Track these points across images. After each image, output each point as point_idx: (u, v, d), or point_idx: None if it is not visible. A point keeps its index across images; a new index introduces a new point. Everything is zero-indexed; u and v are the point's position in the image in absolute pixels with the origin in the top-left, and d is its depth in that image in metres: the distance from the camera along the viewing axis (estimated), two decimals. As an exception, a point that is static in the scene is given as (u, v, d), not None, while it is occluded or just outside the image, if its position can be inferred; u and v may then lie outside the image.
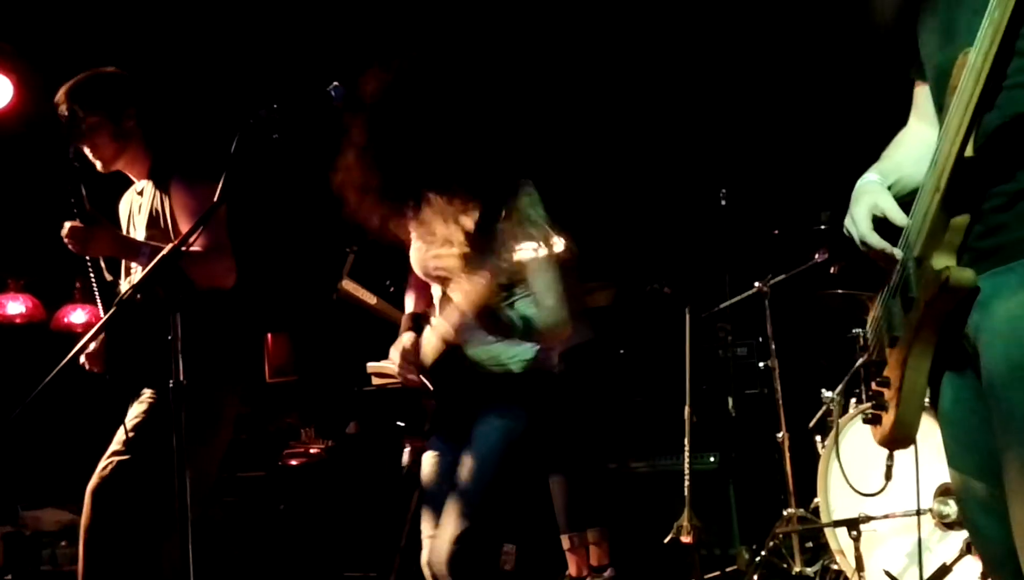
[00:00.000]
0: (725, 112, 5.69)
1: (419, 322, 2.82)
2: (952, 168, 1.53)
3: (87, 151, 3.10)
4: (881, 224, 1.73)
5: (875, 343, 1.81)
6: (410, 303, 2.95)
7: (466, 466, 2.67)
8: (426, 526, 2.76)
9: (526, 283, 2.67)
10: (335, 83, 2.39)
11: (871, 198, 1.74)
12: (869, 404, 1.80)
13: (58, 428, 5.21)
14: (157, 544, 2.96)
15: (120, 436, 2.99)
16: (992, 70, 1.47)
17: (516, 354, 2.70)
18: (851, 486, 3.12)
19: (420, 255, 2.77)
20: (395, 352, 2.77)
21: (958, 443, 1.69)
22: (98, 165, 3.15)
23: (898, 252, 1.69)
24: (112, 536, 2.94)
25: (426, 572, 2.68)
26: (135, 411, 3.02)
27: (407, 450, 3.06)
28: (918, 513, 3.58)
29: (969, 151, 1.53)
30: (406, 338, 2.76)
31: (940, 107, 1.66)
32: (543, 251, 2.48)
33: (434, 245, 2.69)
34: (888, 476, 3.43)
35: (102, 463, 3.00)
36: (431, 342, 2.67)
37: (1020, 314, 1.51)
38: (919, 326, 1.61)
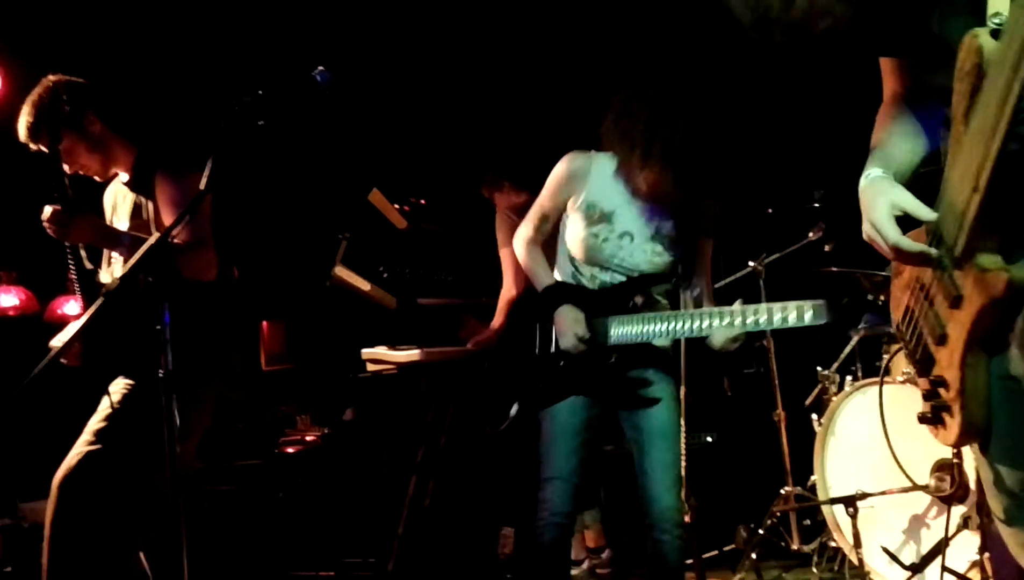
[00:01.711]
0: (717, 89, 5.66)
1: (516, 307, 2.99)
2: (992, 168, 1.44)
3: (80, 173, 3.09)
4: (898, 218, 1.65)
5: (913, 339, 1.74)
6: (509, 284, 3.18)
7: (659, 436, 3.02)
8: (556, 466, 2.99)
9: None
10: (320, 68, 2.37)
11: (888, 197, 1.66)
12: (927, 406, 1.71)
13: (56, 420, 5.19)
14: (125, 538, 2.94)
15: (91, 426, 2.97)
16: None
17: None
18: (904, 473, 3.11)
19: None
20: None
21: (994, 430, 1.62)
22: (96, 178, 3.16)
23: (935, 252, 1.61)
24: (79, 530, 2.88)
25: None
26: (109, 400, 2.99)
27: (515, 407, 3.11)
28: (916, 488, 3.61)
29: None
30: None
31: (937, 88, 1.60)
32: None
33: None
34: (963, 481, 3.43)
35: (71, 453, 2.96)
36: None
37: None
38: (973, 326, 1.55)
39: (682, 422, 4.18)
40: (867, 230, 1.69)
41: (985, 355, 1.57)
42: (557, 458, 2.98)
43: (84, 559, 2.88)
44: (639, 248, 3.01)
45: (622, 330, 2.94)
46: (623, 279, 3.01)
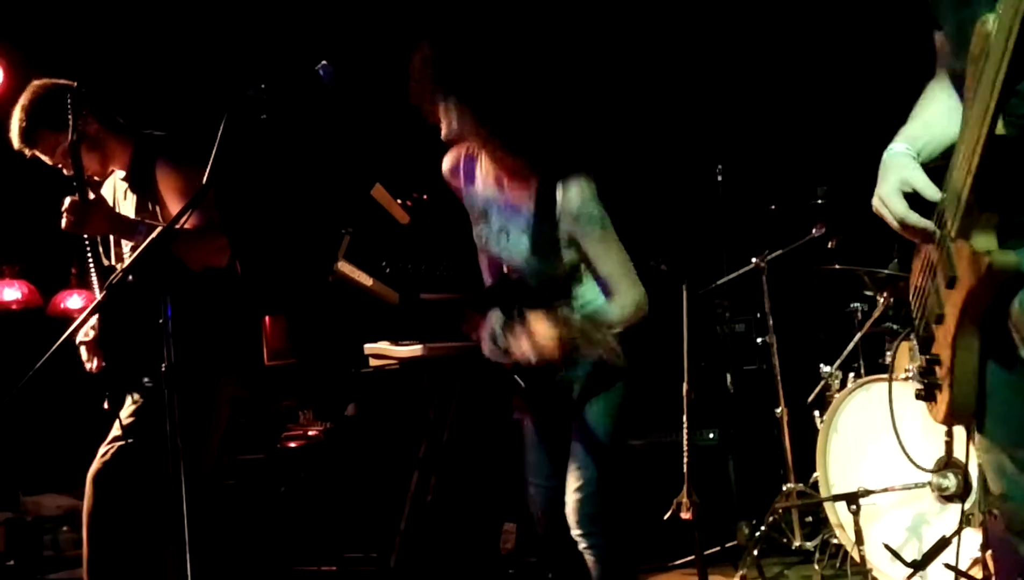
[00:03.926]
0: (721, 88, 5.66)
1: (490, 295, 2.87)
2: (983, 150, 1.48)
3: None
4: (912, 196, 1.68)
5: (920, 317, 1.78)
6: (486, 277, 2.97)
7: (580, 448, 2.79)
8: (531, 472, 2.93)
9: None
10: (323, 62, 2.37)
11: (899, 173, 1.68)
12: (920, 381, 1.77)
13: (58, 413, 5.20)
14: (160, 528, 2.96)
15: (121, 419, 3.00)
16: (1018, 46, 1.40)
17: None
18: (912, 461, 3.11)
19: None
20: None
21: (993, 414, 1.66)
22: (95, 178, 3.16)
23: (934, 227, 1.64)
24: (115, 521, 2.96)
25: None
26: (135, 396, 3.02)
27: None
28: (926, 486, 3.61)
29: (1001, 129, 1.48)
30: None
31: (956, 71, 1.60)
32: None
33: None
34: (949, 451, 3.45)
35: (103, 448, 3.02)
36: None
37: None
38: (964, 306, 1.59)
39: (684, 419, 4.20)
40: (875, 203, 1.72)
41: (978, 338, 1.61)
42: (530, 465, 2.98)
43: (123, 552, 2.96)
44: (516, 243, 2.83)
45: None
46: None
